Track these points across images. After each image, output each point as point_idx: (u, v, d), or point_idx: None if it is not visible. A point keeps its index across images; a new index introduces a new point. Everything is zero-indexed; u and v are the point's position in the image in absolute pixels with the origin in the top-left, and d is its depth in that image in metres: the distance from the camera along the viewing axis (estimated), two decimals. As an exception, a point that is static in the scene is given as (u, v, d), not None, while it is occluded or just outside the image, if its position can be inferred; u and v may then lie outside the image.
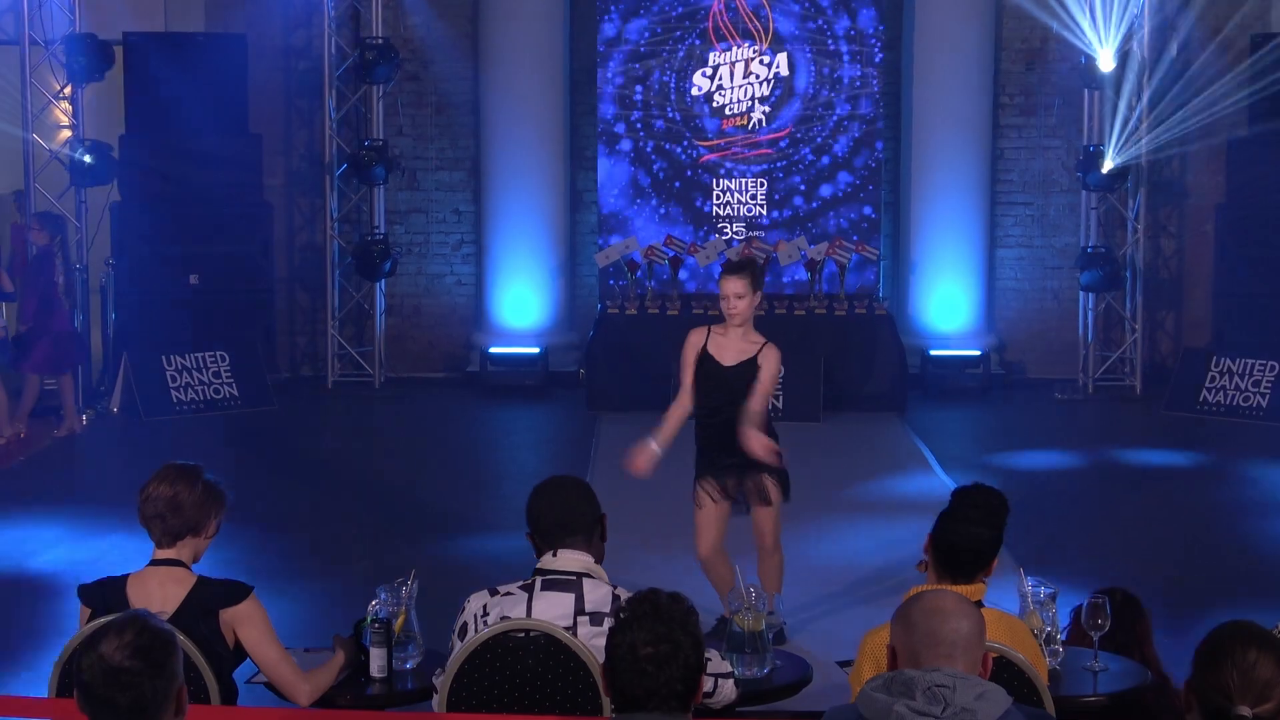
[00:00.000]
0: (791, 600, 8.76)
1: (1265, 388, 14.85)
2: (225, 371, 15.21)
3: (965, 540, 5.18)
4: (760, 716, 5.74)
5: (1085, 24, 15.68)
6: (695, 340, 8.26)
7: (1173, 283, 17.10)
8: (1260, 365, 14.93)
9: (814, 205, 16.43)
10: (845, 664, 5.27)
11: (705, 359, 8.19)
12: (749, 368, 8.09)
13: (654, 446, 8.13)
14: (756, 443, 7.92)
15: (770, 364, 8.09)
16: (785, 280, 16.11)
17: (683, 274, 15.76)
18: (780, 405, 14.55)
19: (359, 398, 16.17)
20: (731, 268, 8.19)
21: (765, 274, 14.06)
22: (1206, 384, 15.15)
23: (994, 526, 5.27)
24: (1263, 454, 13.44)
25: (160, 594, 5.30)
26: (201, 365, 15.11)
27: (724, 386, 8.11)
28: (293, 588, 9.29)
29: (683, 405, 8.27)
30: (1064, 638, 5.76)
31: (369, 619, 5.61)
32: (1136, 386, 16.30)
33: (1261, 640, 3.69)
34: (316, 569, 10.00)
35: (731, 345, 8.16)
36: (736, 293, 8.07)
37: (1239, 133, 16.11)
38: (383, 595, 5.71)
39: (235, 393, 15.21)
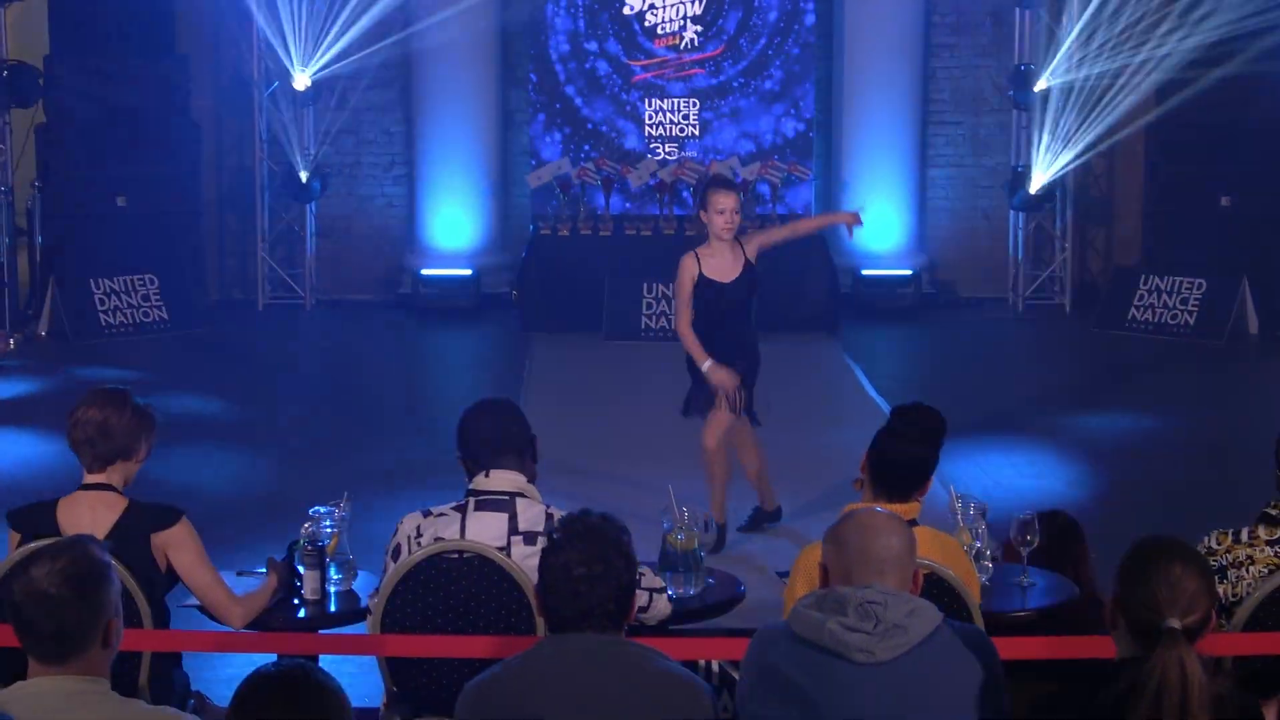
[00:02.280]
0: (729, 517, 8.81)
1: (1193, 305, 14.98)
2: (154, 294, 15.09)
3: (903, 458, 5.22)
4: (694, 634, 5.78)
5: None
6: (689, 266, 8.48)
7: (1103, 202, 17.19)
8: (1188, 283, 15.04)
9: (746, 125, 16.40)
10: (785, 574, 5.30)
11: (704, 282, 8.45)
12: (748, 277, 8.48)
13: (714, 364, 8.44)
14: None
15: (758, 238, 8.67)
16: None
17: (615, 196, 15.73)
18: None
19: (290, 320, 16.09)
20: (726, 183, 8.65)
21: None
22: (1135, 302, 15.27)
23: (932, 446, 5.31)
24: (1186, 372, 13.61)
25: (91, 518, 5.27)
26: (130, 288, 14.99)
27: (729, 303, 8.47)
28: (224, 510, 9.26)
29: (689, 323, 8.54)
30: (999, 554, 5.82)
31: (302, 542, 5.60)
32: (1066, 305, 16.41)
33: (1185, 553, 3.74)
34: (248, 491, 9.97)
35: (725, 263, 8.47)
36: (734, 208, 8.42)
37: (1169, 51, 16.14)
38: (316, 518, 5.70)
39: (165, 316, 15.10)
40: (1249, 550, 5.02)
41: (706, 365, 8.41)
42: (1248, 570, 5.02)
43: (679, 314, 8.55)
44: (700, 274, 8.43)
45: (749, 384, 8.61)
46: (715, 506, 8.65)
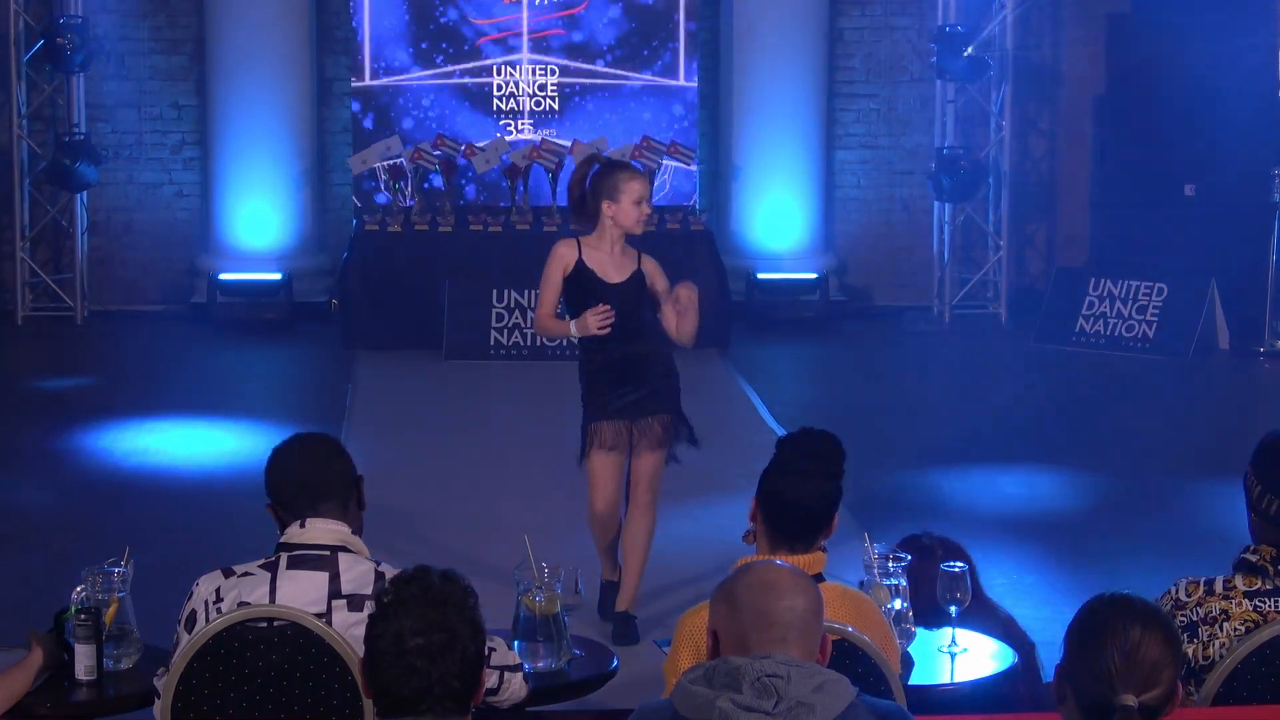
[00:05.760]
0: (598, 575, 8.81)
1: (1152, 314, 15.15)
2: (-113, 306, 14.91)
3: (799, 496, 5.20)
4: (555, 716, 5.77)
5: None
6: (565, 253, 8.30)
7: (1044, 190, 17.38)
8: (1146, 288, 15.21)
9: (616, 98, 16.43)
10: (666, 643, 5.30)
11: (584, 275, 8.26)
12: (636, 283, 8.29)
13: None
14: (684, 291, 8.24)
15: (656, 265, 8.37)
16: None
17: (457, 181, 15.71)
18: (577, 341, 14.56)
19: (57, 335, 15.92)
20: (632, 171, 8.42)
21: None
22: (1084, 311, 15.43)
23: (831, 476, 5.30)
24: (1146, 393, 13.79)
25: None
26: None
27: (618, 309, 8.23)
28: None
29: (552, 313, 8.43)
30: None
31: (73, 609, 5.54)
32: (1002, 314, 16.57)
33: (1145, 615, 3.76)
34: (5, 546, 9.84)
35: (614, 261, 8.28)
36: (649, 196, 8.45)
37: (1120, 8, 16.36)
38: (90, 579, 5.64)
39: (-100, 332, 14.91)
40: (1223, 604, 5.03)
41: (572, 326, 8.29)
42: (1221, 627, 5.03)
43: (540, 303, 8.41)
44: (580, 262, 8.24)
45: (663, 412, 8.54)
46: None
